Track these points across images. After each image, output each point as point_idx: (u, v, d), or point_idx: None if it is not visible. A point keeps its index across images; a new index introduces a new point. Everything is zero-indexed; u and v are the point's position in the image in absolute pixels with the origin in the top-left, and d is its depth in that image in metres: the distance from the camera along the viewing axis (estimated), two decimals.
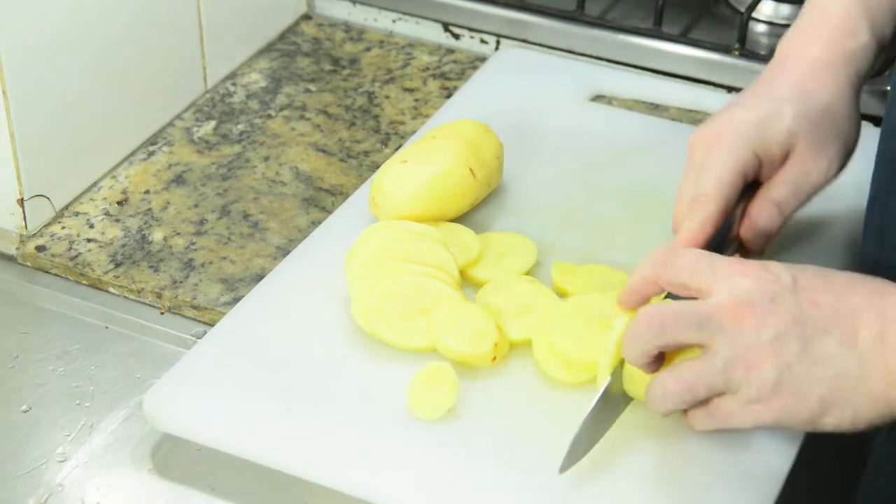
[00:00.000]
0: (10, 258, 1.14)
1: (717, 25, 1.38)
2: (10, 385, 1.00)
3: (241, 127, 1.27)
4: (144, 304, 1.09)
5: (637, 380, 0.88)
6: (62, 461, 0.94)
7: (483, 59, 1.37)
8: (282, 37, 1.41)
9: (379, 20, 1.43)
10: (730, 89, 1.30)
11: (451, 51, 1.39)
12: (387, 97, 1.32)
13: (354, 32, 1.42)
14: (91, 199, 1.18)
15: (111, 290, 1.10)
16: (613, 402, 0.89)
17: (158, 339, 1.05)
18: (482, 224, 1.09)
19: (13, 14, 1.06)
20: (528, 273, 1.04)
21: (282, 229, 1.15)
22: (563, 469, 0.86)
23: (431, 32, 1.41)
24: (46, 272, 1.12)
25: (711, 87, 1.31)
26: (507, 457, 0.89)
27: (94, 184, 1.20)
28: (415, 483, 0.88)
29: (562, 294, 1.01)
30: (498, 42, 1.39)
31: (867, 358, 0.79)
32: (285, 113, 1.29)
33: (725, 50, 1.32)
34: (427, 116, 1.28)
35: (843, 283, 0.82)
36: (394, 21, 1.42)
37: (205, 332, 1.04)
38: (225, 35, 1.32)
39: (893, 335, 0.79)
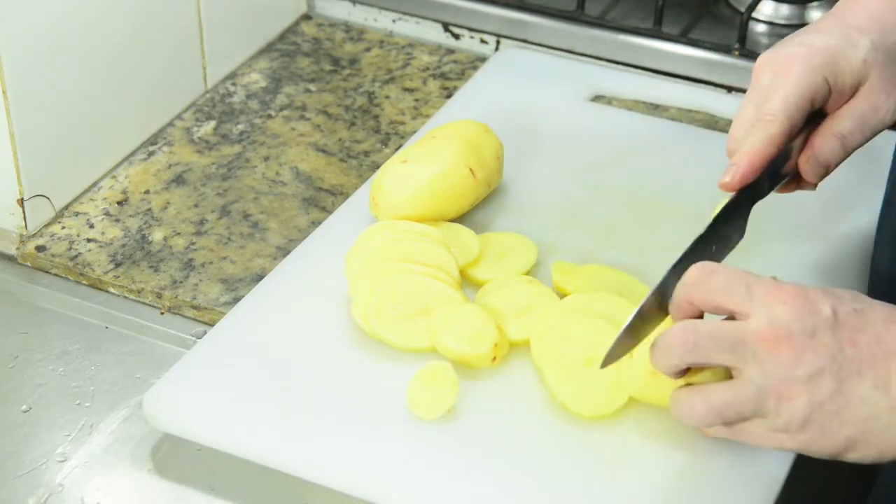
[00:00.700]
0: (10, 258, 1.14)
1: (717, 25, 1.38)
2: (10, 385, 1.00)
3: (241, 127, 1.27)
4: (144, 304, 1.09)
5: (661, 386, 0.87)
6: (62, 461, 0.94)
7: (483, 59, 1.37)
8: (282, 37, 1.41)
9: (379, 20, 1.43)
10: (730, 89, 1.30)
11: (451, 51, 1.39)
12: (387, 97, 1.32)
13: (354, 32, 1.42)
14: (91, 199, 1.18)
15: (111, 290, 1.10)
16: (652, 313, 0.87)
17: (158, 339, 1.05)
18: (482, 224, 1.09)
19: (13, 14, 1.06)
20: (528, 273, 1.04)
21: (282, 229, 1.15)
22: (604, 365, 0.85)
23: (431, 32, 1.41)
24: (46, 272, 1.12)
25: (711, 87, 1.31)
26: (507, 457, 0.89)
27: (94, 184, 1.20)
28: (415, 483, 0.88)
29: (562, 294, 1.01)
30: (498, 42, 1.39)
31: None
32: (285, 113, 1.29)
33: (725, 50, 1.32)
34: (427, 116, 1.28)
35: (881, 319, 0.80)
36: (394, 21, 1.42)
37: (205, 332, 1.04)
38: (225, 35, 1.32)
39: None
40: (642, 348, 0.87)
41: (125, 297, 1.09)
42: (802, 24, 1.36)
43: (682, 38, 1.34)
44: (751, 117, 0.92)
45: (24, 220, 1.13)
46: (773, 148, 0.90)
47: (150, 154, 1.24)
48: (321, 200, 1.18)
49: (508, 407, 0.93)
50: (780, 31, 1.37)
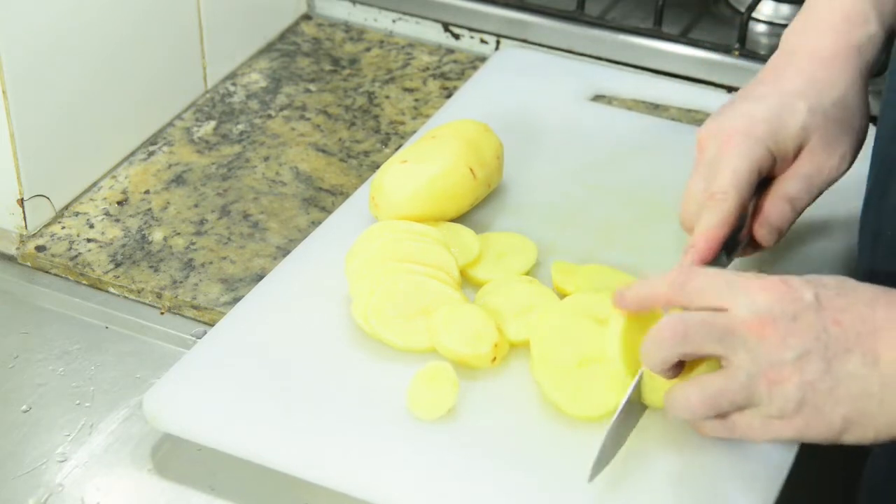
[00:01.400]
0: (10, 258, 1.14)
1: (717, 25, 1.38)
2: (10, 385, 1.00)
3: (241, 127, 1.27)
4: (144, 304, 1.09)
5: (655, 386, 0.87)
6: (62, 461, 0.94)
7: (483, 59, 1.37)
8: (282, 37, 1.41)
9: (379, 20, 1.43)
10: (730, 89, 1.30)
11: (451, 51, 1.39)
12: (387, 97, 1.32)
13: (354, 32, 1.42)
14: (91, 199, 1.18)
15: (111, 290, 1.10)
16: (634, 409, 0.89)
17: (158, 339, 1.05)
18: (482, 224, 1.09)
19: (13, 14, 1.06)
20: (528, 273, 1.04)
21: (282, 229, 1.15)
22: (592, 478, 0.85)
23: (431, 32, 1.41)
24: (46, 272, 1.12)
25: (711, 87, 1.31)
26: (507, 457, 0.89)
27: (94, 184, 1.20)
28: (415, 483, 0.88)
29: (562, 294, 1.01)
30: (498, 42, 1.39)
31: (888, 380, 0.78)
32: (285, 113, 1.29)
33: (725, 50, 1.32)
34: (427, 116, 1.28)
35: (865, 299, 0.81)
36: (394, 21, 1.42)
37: (205, 332, 1.04)
38: (225, 35, 1.32)
39: None
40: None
41: (125, 297, 1.09)
42: None
43: (682, 38, 1.34)
44: (700, 192, 0.94)
45: (24, 220, 1.13)
46: (728, 225, 0.92)
47: (150, 154, 1.24)
48: (321, 200, 1.18)
49: (508, 407, 0.93)
50: (780, 31, 1.37)
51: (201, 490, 0.92)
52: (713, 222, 0.92)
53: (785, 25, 1.37)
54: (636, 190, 1.13)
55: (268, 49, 1.39)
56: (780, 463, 0.89)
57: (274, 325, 0.99)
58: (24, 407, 0.99)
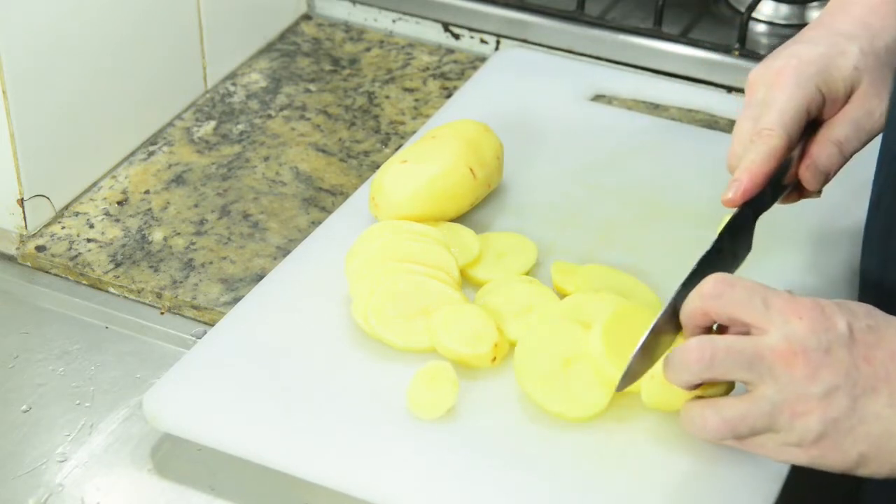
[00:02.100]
0: (10, 258, 1.14)
1: (717, 25, 1.38)
2: (10, 385, 1.00)
3: (241, 127, 1.27)
4: (144, 304, 1.09)
5: (668, 394, 0.87)
6: (62, 461, 0.94)
7: (483, 59, 1.37)
8: (282, 37, 1.41)
9: (379, 20, 1.43)
10: (730, 89, 1.30)
11: (451, 51, 1.39)
12: (387, 97, 1.32)
13: (354, 32, 1.42)
14: (91, 199, 1.18)
15: (111, 290, 1.10)
16: (667, 328, 0.86)
17: (158, 339, 1.05)
18: (482, 224, 1.09)
19: (13, 14, 1.06)
20: (528, 273, 1.04)
21: (282, 229, 1.15)
22: (620, 389, 0.85)
23: (431, 32, 1.41)
24: (46, 272, 1.12)
25: (711, 87, 1.31)
26: (507, 457, 0.89)
27: (94, 184, 1.20)
28: (415, 483, 0.88)
29: (562, 294, 1.01)
30: (498, 42, 1.39)
31: None
32: (285, 113, 1.29)
33: (725, 50, 1.32)
34: (427, 116, 1.28)
35: (895, 336, 0.80)
36: (394, 21, 1.42)
37: (205, 332, 1.04)
38: (225, 35, 1.32)
39: None
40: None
41: (125, 297, 1.09)
42: (802, 24, 1.36)
43: (682, 38, 1.34)
44: (749, 132, 0.92)
45: (24, 220, 1.13)
46: (774, 161, 0.91)
47: (150, 154, 1.24)
48: (321, 200, 1.18)
49: (508, 407, 0.93)
50: (780, 31, 1.37)
51: (201, 490, 0.92)
52: (759, 158, 0.90)
53: (785, 25, 1.38)
54: (636, 190, 1.13)
55: (268, 49, 1.39)
56: (780, 464, 0.89)
57: (274, 325, 0.99)
58: (24, 407, 0.98)
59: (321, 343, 0.98)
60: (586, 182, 1.14)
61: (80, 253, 1.12)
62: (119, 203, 1.18)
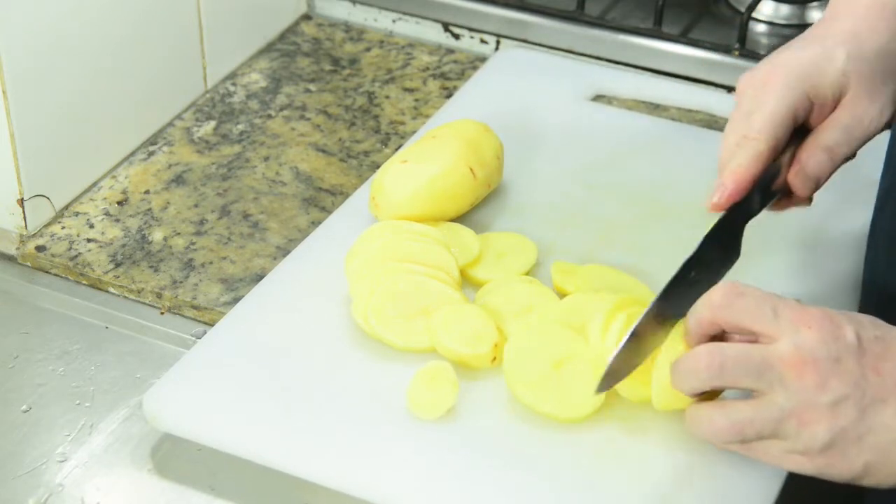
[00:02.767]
0: (10, 258, 1.14)
1: (717, 25, 1.38)
2: (10, 385, 1.00)
3: (241, 127, 1.27)
4: (144, 304, 1.09)
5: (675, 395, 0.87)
6: (62, 461, 0.94)
7: (483, 59, 1.37)
8: (282, 37, 1.41)
9: (379, 20, 1.43)
10: (730, 89, 1.30)
11: (451, 51, 1.39)
12: (387, 97, 1.32)
13: (354, 32, 1.42)
14: (91, 199, 1.18)
15: (111, 290, 1.10)
16: (651, 330, 0.86)
17: (158, 339, 1.05)
18: (482, 224, 1.09)
19: (13, 14, 1.06)
20: (528, 273, 1.04)
21: (282, 229, 1.15)
22: (598, 391, 0.85)
23: (431, 32, 1.41)
24: (46, 272, 1.12)
25: (711, 87, 1.31)
26: (507, 457, 0.89)
27: (94, 184, 1.20)
28: (415, 483, 0.88)
29: (562, 294, 1.01)
30: (498, 42, 1.39)
31: None
32: (285, 113, 1.29)
33: (725, 50, 1.32)
34: (427, 116, 1.28)
35: None
36: (394, 21, 1.42)
37: (205, 332, 1.04)
38: (225, 35, 1.32)
39: None
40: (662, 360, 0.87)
41: (125, 297, 1.09)
42: (802, 25, 1.36)
43: (682, 38, 1.34)
44: (737, 138, 0.92)
45: (24, 220, 1.13)
46: (759, 165, 0.90)
47: (150, 154, 1.24)
48: (321, 200, 1.18)
49: (508, 407, 0.93)
50: (780, 31, 1.37)
51: (201, 490, 0.92)
52: (744, 161, 0.90)
53: (785, 25, 1.38)
54: (636, 190, 1.13)
55: (268, 49, 1.39)
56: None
57: (274, 325, 0.99)
58: (24, 407, 0.98)
59: (321, 343, 0.98)
60: (586, 182, 1.14)
61: (80, 253, 1.12)
62: (119, 203, 1.18)
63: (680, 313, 0.87)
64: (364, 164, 1.22)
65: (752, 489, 0.87)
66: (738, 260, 0.92)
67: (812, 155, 0.93)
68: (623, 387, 0.89)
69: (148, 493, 0.92)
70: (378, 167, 1.17)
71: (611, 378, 0.86)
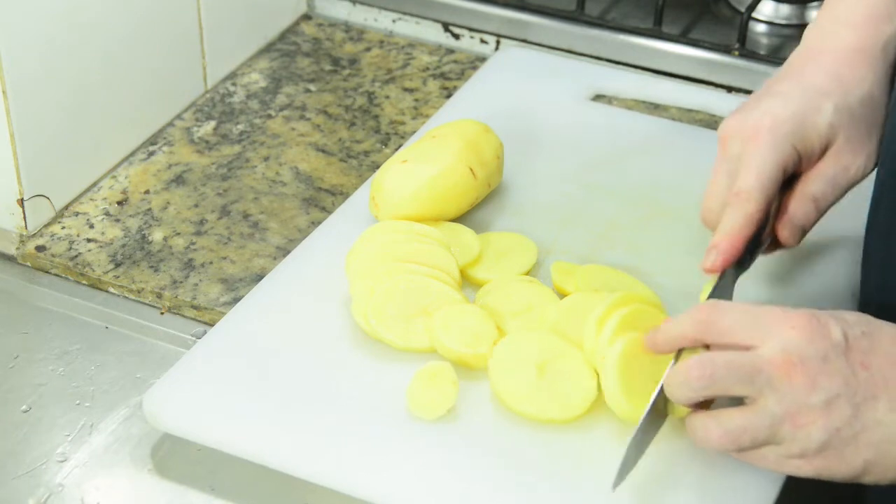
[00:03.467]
0: (10, 258, 1.14)
1: (717, 25, 1.38)
2: (10, 385, 1.00)
3: (241, 127, 1.27)
4: (144, 304, 1.09)
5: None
6: (62, 461, 0.94)
7: (483, 59, 1.37)
8: (282, 37, 1.41)
9: (379, 20, 1.43)
10: (730, 89, 1.30)
11: (451, 51, 1.39)
12: (387, 97, 1.32)
13: (354, 32, 1.42)
14: (91, 199, 1.18)
15: (111, 290, 1.10)
16: (655, 418, 0.87)
17: (158, 339, 1.05)
18: (482, 224, 1.09)
19: (13, 14, 1.06)
20: (528, 273, 1.04)
21: (282, 229, 1.15)
22: (615, 486, 0.84)
23: (431, 32, 1.41)
24: (46, 272, 1.12)
25: (711, 87, 1.31)
26: (507, 457, 0.89)
27: (94, 184, 1.20)
28: (415, 483, 0.88)
29: (562, 294, 1.01)
30: (498, 42, 1.39)
31: None
32: (285, 113, 1.29)
33: (725, 50, 1.32)
34: (427, 116, 1.28)
35: (889, 340, 0.80)
36: (394, 21, 1.42)
37: (205, 332, 1.04)
38: (225, 35, 1.32)
39: None
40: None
41: (125, 297, 1.09)
42: (802, 24, 1.36)
43: (682, 38, 1.34)
44: (724, 188, 0.93)
45: (24, 220, 1.13)
46: (752, 227, 0.91)
47: (150, 154, 1.24)
48: (321, 200, 1.18)
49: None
50: (780, 31, 1.37)
51: (201, 490, 0.92)
52: (737, 223, 0.90)
53: (785, 25, 1.38)
54: (636, 190, 1.13)
55: (268, 49, 1.39)
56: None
57: (274, 325, 0.99)
58: (24, 407, 0.98)
59: (321, 343, 0.98)
60: (586, 182, 1.14)
61: (80, 253, 1.12)
62: (119, 203, 1.18)
63: None
64: (364, 164, 1.22)
65: (753, 488, 0.87)
66: None
67: (800, 206, 0.94)
68: (626, 407, 0.89)
69: (148, 493, 0.92)
70: (378, 167, 1.17)
71: (626, 469, 0.85)
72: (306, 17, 1.44)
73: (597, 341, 0.91)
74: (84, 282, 1.11)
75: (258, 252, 1.12)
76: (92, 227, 1.15)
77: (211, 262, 1.11)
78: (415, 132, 1.24)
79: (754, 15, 1.35)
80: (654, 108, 1.28)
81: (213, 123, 1.28)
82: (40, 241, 1.13)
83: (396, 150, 1.22)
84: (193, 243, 1.13)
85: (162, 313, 1.08)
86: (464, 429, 0.91)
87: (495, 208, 1.11)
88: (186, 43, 1.28)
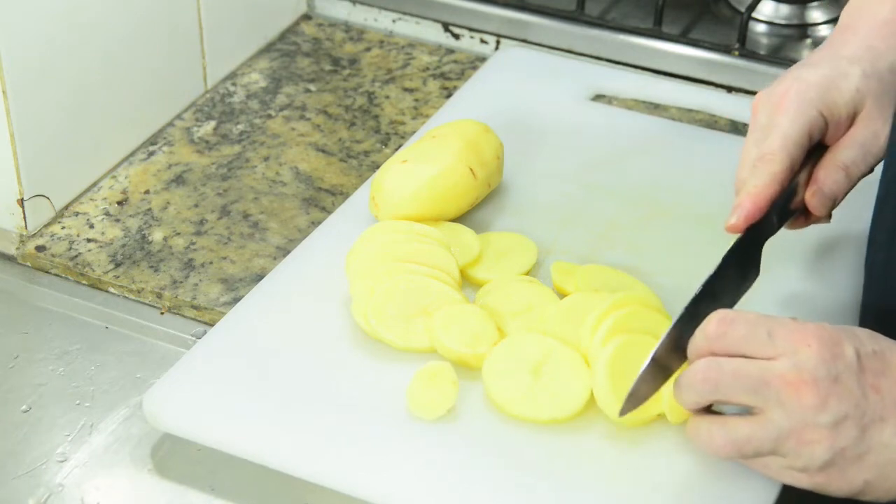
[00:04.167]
0: (10, 258, 1.14)
1: (717, 25, 1.38)
2: (10, 385, 1.00)
3: (241, 127, 1.27)
4: (144, 304, 1.09)
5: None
6: (62, 461, 0.94)
7: (483, 59, 1.37)
8: (282, 37, 1.41)
9: (379, 20, 1.43)
10: (730, 89, 1.30)
11: (451, 51, 1.39)
12: (387, 97, 1.32)
13: (354, 32, 1.42)
14: (91, 199, 1.18)
15: (111, 290, 1.10)
16: (669, 358, 0.86)
17: (158, 339, 1.05)
18: (482, 224, 1.09)
19: (13, 14, 1.06)
20: (528, 273, 1.04)
21: (282, 229, 1.15)
22: (622, 413, 0.85)
23: (431, 32, 1.41)
24: (46, 272, 1.12)
25: (711, 87, 1.31)
26: (507, 457, 0.89)
27: (94, 184, 1.20)
28: (415, 483, 0.88)
29: (562, 294, 1.01)
30: (498, 42, 1.39)
31: None
32: (285, 113, 1.30)
33: (725, 50, 1.32)
34: (427, 116, 1.28)
35: None
36: (394, 21, 1.42)
37: (205, 332, 1.04)
38: (225, 35, 1.32)
39: None
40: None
41: (125, 297, 1.09)
42: (802, 24, 1.36)
43: (682, 38, 1.34)
44: (753, 157, 0.93)
45: (24, 220, 1.13)
46: (776, 186, 0.91)
47: (150, 154, 1.24)
48: (321, 200, 1.18)
49: None
50: (780, 31, 1.37)
51: (201, 490, 0.92)
52: (760, 182, 0.90)
53: (785, 25, 1.38)
54: (636, 190, 1.13)
55: (268, 49, 1.39)
56: None
57: (274, 325, 0.99)
58: (24, 407, 0.99)
59: (321, 343, 0.98)
60: (586, 182, 1.14)
61: (80, 253, 1.12)
62: (119, 203, 1.18)
63: None
64: (364, 164, 1.22)
65: (752, 490, 0.87)
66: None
67: (829, 174, 0.93)
68: (616, 409, 0.89)
69: (148, 493, 0.92)
70: (378, 167, 1.17)
71: (633, 400, 0.86)
72: (306, 17, 1.44)
73: (591, 343, 0.91)
74: (84, 282, 1.11)
75: (258, 252, 1.12)
76: (92, 227, 1.15)
77: (211, 262, 1.11)
78: (415, 132, 1.24)
79: (754, 15, 1.35)
80: (654, 108, 1.28)
81: (213, 123, 1.28)
82: (40, 241, 1.13)
83: (396, 150, 1.22)
84: (193, 243, 1.13)
85: (162, 313, 1.08)
86: (463, 429, 0.91)
87: (495, 208, 1.11)
88: (186, 43, 1.28)
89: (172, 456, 0.94)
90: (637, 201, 1.12)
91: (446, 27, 1.40)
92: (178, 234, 1.14)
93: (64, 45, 1.12)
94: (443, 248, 1.02)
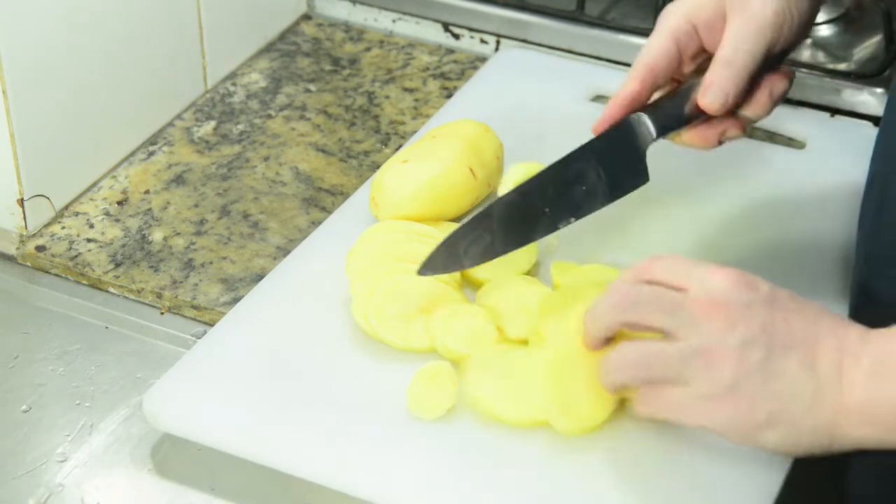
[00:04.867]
0: (10, 258, 1.14)
1: None
2: (10, 385, 1.00)
3: (241, 127, 1.27)
4: (144, 304, 1.09)
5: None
6: (62, 461, 0.94)
7: (483, 59, 1.37)
8: (282, 37, 1.41)
9: (379, 20, 1.43)
10: None
11: (451, 51, 1.39)
12: (387, 97, 1.32)
13: (354, 32, 1.42)
14: (91, 199, 1.18)
15: (111, 290, 1.10)
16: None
17: (158, 339, 1.05)
18: None
19: (13, 14, 1.06)
20: (528, 273, 1.04)
21: (282, 229, 1.15)
22: (420, 272, 0.91)
23: (431, 32, 1.41)
24: (46, 272, 1.12)
25: None
26: (507, 457, 0.89)
27: (94, 184, 1.20)
28: (415, 483, 0.88)
29: None
30: (498, 42, 1.39)
31: (823, 387, 0.79)
32: (285, 113, 1.30)
33: None
34: (427, 116, 1.28)
35: (813, 311, 0.82)
36: (394, 21, 1.42)
37: (205, 332, 1.04)
38: (225, 35, 1.32)
39: (849, 369, 0.79)
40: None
41: (125, 297, 1.10)
42: None
43: None
44: None
45: (24, 220, 1.13)
46: (633, 86, 0.95)
47: (150, 154, 1.24)
48: (321, 200, 1.18)
49: None
50: None
51: (201, 490, 0.92)
52: (620, 91, 0.96)
53: None
54: (636, 190, 1.13)
55: (268, 49, 1.39)
56: (778, 464, 0.89)
57: (274, 325, 0.99)
58: (24, 407, 0.99)
59: (321, 343, 0.98)
60: None
61: (80, 253, 1.12)
62: (119, 203, 1.18)
63: (561, 212, 0.95)
64: (364, 164, 1.22)
65: (751, 491, 0.87)
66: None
67: (711, 71, 0.94)
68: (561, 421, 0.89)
69: (148, 493, 0.92)
70: (378, 167, 1.17)
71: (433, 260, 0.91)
72: (306, 17, 1.44)
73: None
74: (84, 282, 1.11)
75: (258, 252, 1.12)
76: (92, 227, 1.15)
77: (211, 262, 1.11)
78: (415, 132, 1.24)
79: None
80: None
81: (213, 123, 1.28)
82: (40, 241, 1.13)
83: (396, 150, 1.22)
84: (193, 243, 1.13)
85: (162, 313, 1.08)
86: (464, 429, 0.91)
87: None
88: (186, 43, 1.28)
89: (172, 456, 0.94)
90: (636, 201, 1.12)
91: (446, 27, 1.40)
92: (178, 234, 1.14)
93: (64, 45, 1.12)
94: None
